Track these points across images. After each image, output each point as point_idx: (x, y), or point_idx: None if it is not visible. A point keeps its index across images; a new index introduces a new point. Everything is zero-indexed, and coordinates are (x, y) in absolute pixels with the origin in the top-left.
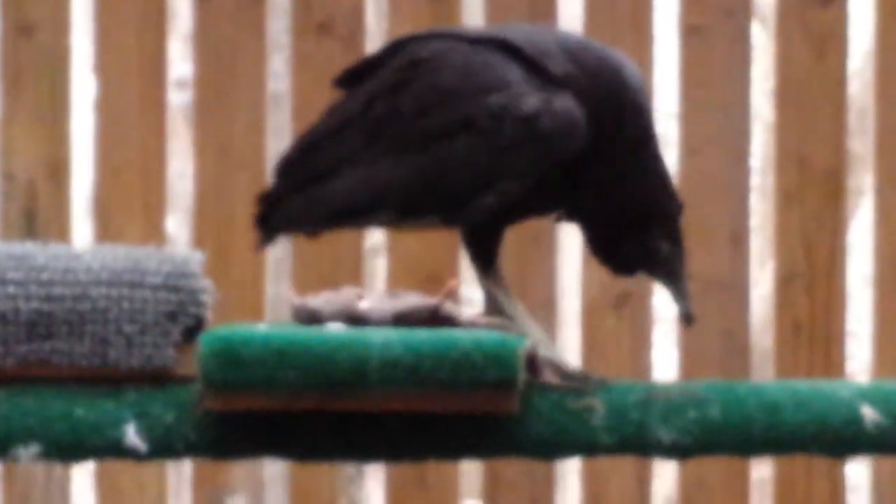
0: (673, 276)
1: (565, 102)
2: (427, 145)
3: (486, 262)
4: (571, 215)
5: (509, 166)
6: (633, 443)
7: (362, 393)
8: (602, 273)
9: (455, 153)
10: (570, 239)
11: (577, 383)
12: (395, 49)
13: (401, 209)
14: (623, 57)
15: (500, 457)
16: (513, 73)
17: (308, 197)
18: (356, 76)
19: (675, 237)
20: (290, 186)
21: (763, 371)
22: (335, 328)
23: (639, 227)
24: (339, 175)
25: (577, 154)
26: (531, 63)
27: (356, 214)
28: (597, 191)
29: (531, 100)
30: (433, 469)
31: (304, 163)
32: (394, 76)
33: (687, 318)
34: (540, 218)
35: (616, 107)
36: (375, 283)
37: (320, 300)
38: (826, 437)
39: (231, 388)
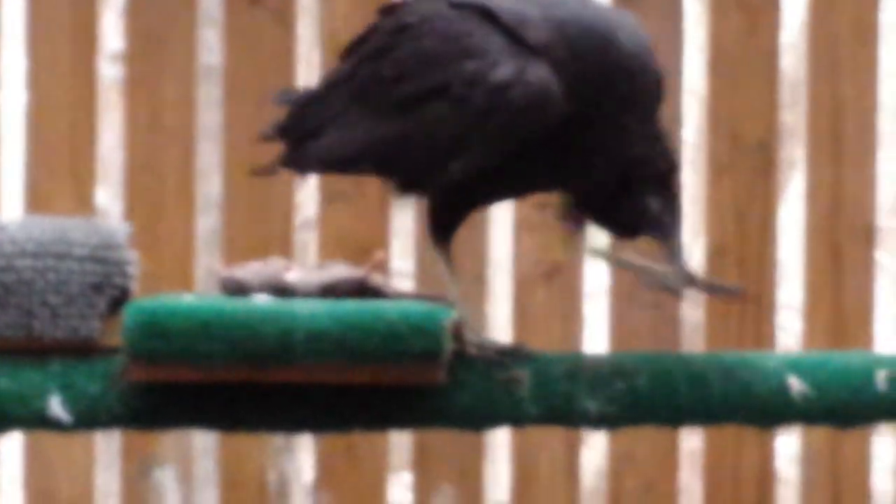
0: (665, 235)
1: (539, 72)
2: (405, 109)
3: (442, 234)
4: (558, 185)
5: (479, 134)
6: (560, 414)
7: (288, 365)
8: (533, 246)
9: (428, 117)
10: (500, 212)
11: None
12: (388, 12)
13: (378, 168)
14: (622, 21)
15: (426, 427)
16: (492, 40)
17: (301, 150)
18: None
19: (666, 196)
20: (288, 139)
21: (693, 343)
22: (262, 300)
23: (627, 188)
24: (326, 132)
25: (556, 123)
26: (511, 31)
27: (341, 168)
28: (582, 156)
29: (504, 69)
30: (363, 440)
31: (298, 118)
32: (380, 40)
33: (682, 281)
34: (523, 197)
35: (601, 73)
36: (307, 257)
37: (247, 271)
38: (753, 407)
39: (156, 359)
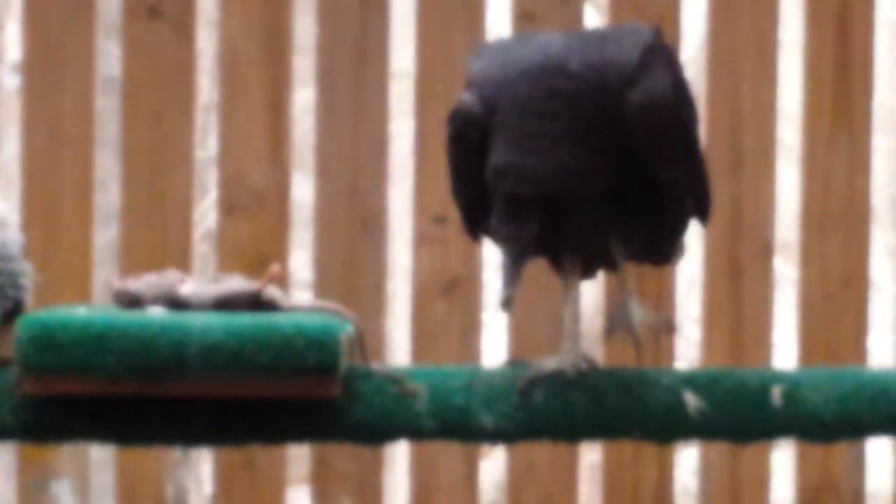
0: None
1: (463, 98)
2: None
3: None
4: None
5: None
6: (456, 428)
7: (183, 378)
8: (432, 259)
9: None
10: (400, 223)
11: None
12: None
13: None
14: (558, 44)
15: (322, 441)
16: None
17: None
18: None
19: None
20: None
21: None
22: (156, 312)
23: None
24: None
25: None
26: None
27: None
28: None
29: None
30: (262, 453)
31: None
32: None
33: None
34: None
35: (516, 90)
36: (206, 269)
37: (141, 284)
38: (649, 423)
39: (49, 372)
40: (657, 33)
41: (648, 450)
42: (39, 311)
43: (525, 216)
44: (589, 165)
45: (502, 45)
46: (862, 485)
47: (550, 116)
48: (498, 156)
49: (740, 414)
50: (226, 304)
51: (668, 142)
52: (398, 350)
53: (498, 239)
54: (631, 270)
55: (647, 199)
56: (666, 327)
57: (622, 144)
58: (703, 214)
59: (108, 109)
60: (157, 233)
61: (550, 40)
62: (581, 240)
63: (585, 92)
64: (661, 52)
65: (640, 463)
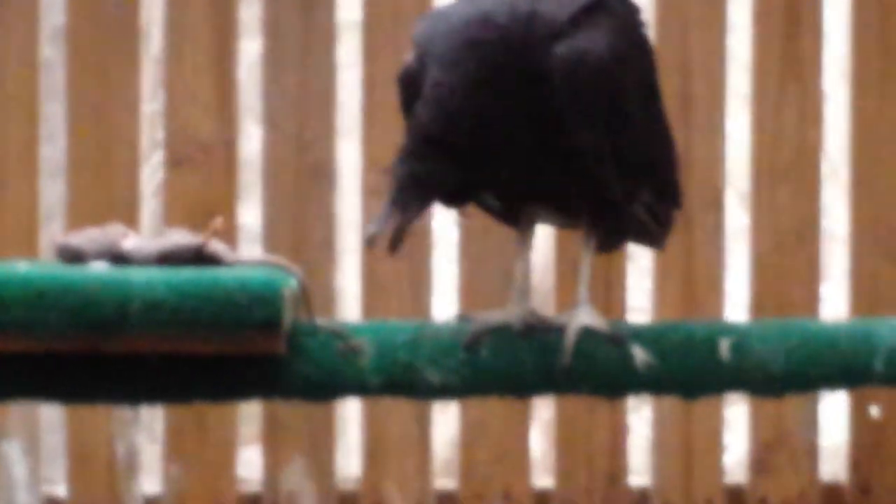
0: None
1: (406, 58)
2: None
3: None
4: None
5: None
6: (402, 384)
7: (125, 334)
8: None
9: None
10: (349, 177)
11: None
12: None
13: None
14: (497, 1)
15: (267, 398)
16: None
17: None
18: None
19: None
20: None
21: (544, 312)
22: (98, 268)
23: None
24: None
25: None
26: None
27: None
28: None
29: None
30: (212, 412)
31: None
32: None
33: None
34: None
35: (440, 43)
36: (154, 223)
37: (83, 238)
38: (597, 377)
39: None
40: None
41: (601, 404)
42: None
43: (417, 157)
44: (496, 120)
45: (448, 7)
46: (816, 439)
47: (461, 65)
48: (417, 108)
49: (688, 368)
50: (168, 258)
51: (590, 104)
52: (348, 305)
53: (390, 177)
54: (588, 272)
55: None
56: (615, 340)
57: (543, 102)
58: (671, 198)
59: (53, 60)
60: (104, 187)
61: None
62: (528, 191)
63: (507, 43)
64: (610, 15)
65: (593, 417)
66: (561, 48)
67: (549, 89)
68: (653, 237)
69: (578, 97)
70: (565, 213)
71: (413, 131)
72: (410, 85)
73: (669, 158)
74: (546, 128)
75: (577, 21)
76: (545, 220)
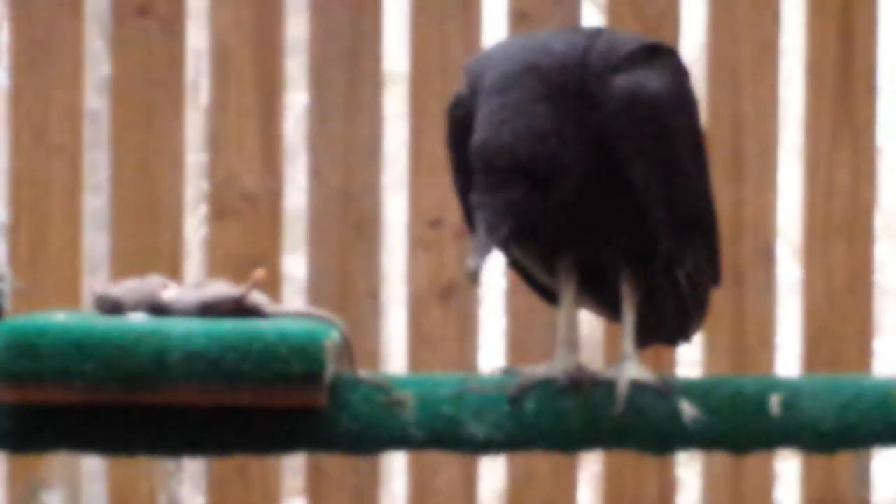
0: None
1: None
2: None
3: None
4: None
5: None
6: (445, 438)
7: (164, 386)
8: (428, 264)
9: None
10: (395, 230)
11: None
12: None
13: None
14: (553, 34)
15: (308, 451)
16: None
17: None
18: None
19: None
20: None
21: (592, 365)
22: (137, 318)
23: None
24: None
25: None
26: None
27: None
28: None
29: None
30: (255, 464)
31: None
32: None
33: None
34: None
35: (496, 70)
36: (198, 274)
37: (123, 289)
38: (645, 432)
39: (26, 379)
40: (671, 50)
41: (650, 458)
42: (17, 317)
43: (499, 185)
44: (562, 137)
45: (500, 43)
46: (868, 496)
47: (525, 88)
48: (476, 133)
49: (737, 423)
50: (208, 309)
51: (645, 137)
52: (394, 358)
53: (475, 210)
54: (632, 325)
55: (626, 205)
56: (662, 392)
57: (597, 132)
58: (711, 271)
59: (97, 111)
60: (148, 238)
61: (549, 32)
62: (573, 235)
63: (565, 68)
64: (667, 60)
65: (642, 472)
66: (620, 79)
67: (604, 119)
68: (688, 322)
69: (634, 128)
70: (603, 281)
71: (495, 154)
72: (460, 113)
73: (713, 225)
74: (599, 160)
75: (636, 60)
76: (583, 305)
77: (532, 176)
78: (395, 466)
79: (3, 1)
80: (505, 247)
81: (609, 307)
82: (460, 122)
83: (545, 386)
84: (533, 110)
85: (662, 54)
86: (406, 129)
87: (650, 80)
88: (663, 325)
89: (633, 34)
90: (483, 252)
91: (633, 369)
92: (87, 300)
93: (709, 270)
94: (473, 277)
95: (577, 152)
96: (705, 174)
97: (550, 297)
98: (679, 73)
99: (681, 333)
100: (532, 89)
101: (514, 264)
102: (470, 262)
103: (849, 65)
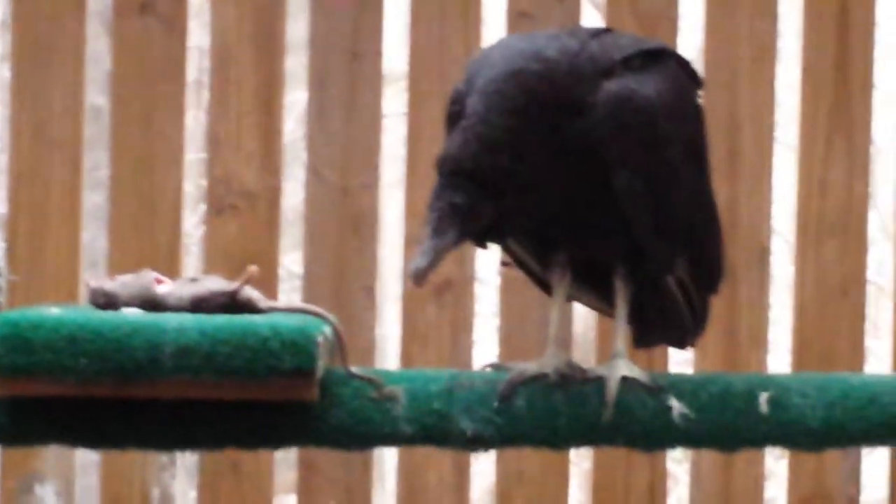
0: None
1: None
2: None
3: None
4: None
5: None
6: (435, 433)
7: (157, 380)
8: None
9: None
10: (391, 226)
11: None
12: None
13: None
14: (553, 35)
15: (298, 446)
16: None
17: None
18: None
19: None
20: None
21: (583, 364)
22: (131, 313)
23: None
24: None
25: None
26: None
27: None
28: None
29: None
30: (247, 458)
31: None
32: None
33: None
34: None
35: (486, 73)
36: (195, 270)
37: (117, 284)
38: (634, 430)
39: (20, 373)
40: (678, 56)
41: (639, 456)
42: (11, 311)
43: (446, 190)
44: (517, 149)
45: (507, 39)
46: (856, 494)
47: (503, 95)
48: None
49: (726, 421)
50: (202, 304)
51: (632, 143)
52: (389, 354)
53: (428, 210)
54: (624, 323)
55: (615, 210)
56: (652, 390)
57: (583, 137)
58: (709, 281)
59: (98, 108)
60: (146, 234)
61: (551, 33)
62: (564, 236)
63: (552, 75)
64: (665, 69)
65: (632, 470)
66: (610, 84)
67: (591, 125)
68: (684, 328)
69: (621, 133)
70: (598, 275)
71: (442, 162)
72: (456, 109)
73: (712, 236)
74: (583, 166)
75: (631, 65)
76: (577, 298)
77: (479, 183)
78: (387, 463)
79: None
80: (443, 250)
81: (604, 301)
82: (455, 118)
83: (535, 383)
84: (495, 121)
85: (663, 60)
86: (405, 127)
87: (644, 86)
88: (669, 327)
89: (636, 38)
90: (429, 254)
91: (624, 367)
92: (84, 295)
93: (704, 277)
94: (416, 279)
95: (541, 162)
96: (703, 183)
97: (548, 288)
98: (679, 80)
99: (682, 337)
100: (509, 97)
101: (512, 256)
102: (413, 264)
103: (845, 65)
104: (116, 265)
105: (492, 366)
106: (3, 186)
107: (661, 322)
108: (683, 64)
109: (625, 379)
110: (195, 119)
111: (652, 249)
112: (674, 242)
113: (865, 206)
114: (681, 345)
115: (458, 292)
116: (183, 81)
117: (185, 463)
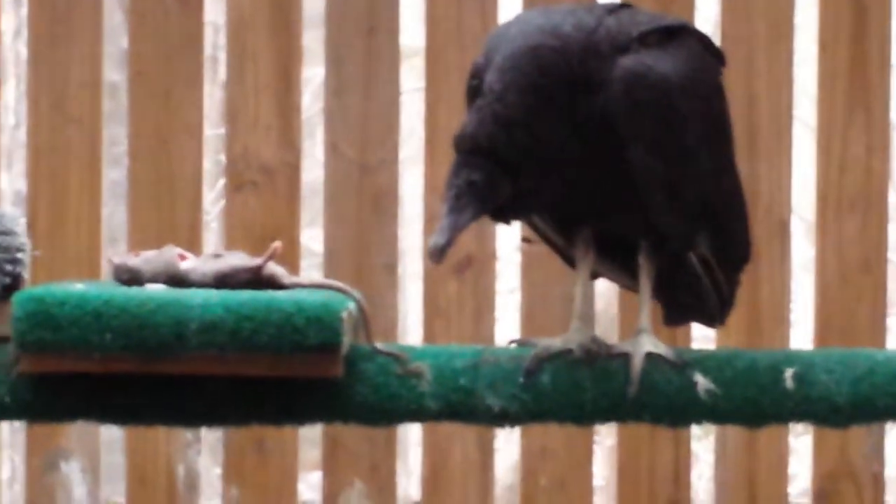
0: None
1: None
2: None
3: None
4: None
5: None
6: (460, 409)
7: (181, 356)
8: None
9: None
10: (412, 202)
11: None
12: None
13: None
14: (572, 10)
15: (324, 422)
16: None
17: None
18: None
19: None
20: None
21: (610, 337)
22: (155, 289)
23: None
24: None
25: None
26: None
27: None
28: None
29: None
30: (273, 435)
31: None
32: None
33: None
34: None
35: (504, 47)
36: (216, 246)
37: (140, 260)
38: (659, 405)
39: (45, 349)
40: (699, 34)
41: (664, 432)
42: (36, 287)
43: (463, 167)
44: (533, 126)
45: (527, 13)
46: (881, 469)
47: (520, 71)
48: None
49: (751, 397)
50: (225, 280)
51: (646, 120)
52: (410, 331)
53: (444, 189)
54: (649, 299)
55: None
56: (677, 365)
57: (598, 114)
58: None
59: (115, 84)
60: (166, 210)
61: (569, 7)
62: (586, 212)
63: (568, 51)
64: (684, 47)
65: (656, 446)
66: (626, 60)
67: (607, 101)
68: (710, 306)
69: (635, 110)
70: (623, 251)
71: (460, 141)
72: (475, 84)
73: (735, 215)
74: (600, 142)
75: (647, 41)
76: (602, 273)
77: (496, 161)
78: (411, 439)
79: None
80: (460, 227)
81: (629, 277)
82: (475, 92)
83: (560, 358)
84: (511, 98)
85: (683, 37)
86: (422, 103)
87: (660, 62)
88: (697, 305)
89: (655, 15)
90: (446, 232)
91: (649, 343)
92: (105, 271)
93: (729, 256)
94: (434, 257)
95: (558, 139)
96: (722, 161)
97: (573, 263)
98: (698, 57)
99: (710, 315)
100: (526, 74)
101: (536, 230)
102: (431, 242)
103: (862, 41)
104: (136, 241)
105: (517, 342)
106: (22, 162)
107: (689, 300)
108: (705, 42)
109: (650, 355)
110: (211, 95)
111: (666, 226)
112: (692, 220)
113: (885, 183)
114: (710, 323)
115: (480, 269)
116: (200, 58)
117: (210, 440)
